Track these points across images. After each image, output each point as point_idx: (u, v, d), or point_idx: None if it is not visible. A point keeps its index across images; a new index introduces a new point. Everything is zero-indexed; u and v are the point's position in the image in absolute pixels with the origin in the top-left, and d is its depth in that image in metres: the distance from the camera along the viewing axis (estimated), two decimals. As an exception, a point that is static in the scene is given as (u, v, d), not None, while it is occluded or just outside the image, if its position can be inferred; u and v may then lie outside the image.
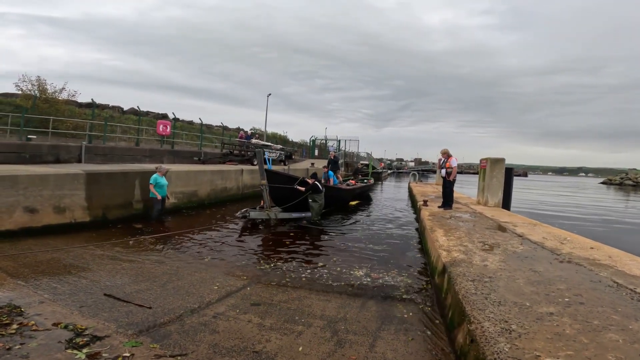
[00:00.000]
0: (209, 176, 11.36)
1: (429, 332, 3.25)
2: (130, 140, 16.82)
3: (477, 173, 11.20)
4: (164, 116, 25.82)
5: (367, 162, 31.33)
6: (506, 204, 9.82)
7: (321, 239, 7.37)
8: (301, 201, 8.79)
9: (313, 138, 36.23)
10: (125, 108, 25.98)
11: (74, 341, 2.69)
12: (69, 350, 2.56)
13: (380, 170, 39.73)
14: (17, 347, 2.57)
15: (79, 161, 11.11)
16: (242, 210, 8.41)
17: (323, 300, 3.97)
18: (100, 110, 21.90)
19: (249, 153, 17.13)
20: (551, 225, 7.10)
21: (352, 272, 5.09)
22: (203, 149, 18.74)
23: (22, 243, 5.65)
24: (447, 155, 8.76)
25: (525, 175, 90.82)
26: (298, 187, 8.83)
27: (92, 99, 15.79)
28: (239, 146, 18.91)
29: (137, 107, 19.68)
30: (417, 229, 8.63)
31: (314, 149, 35.30)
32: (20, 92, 15.60)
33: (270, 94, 30.77)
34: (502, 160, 9.44)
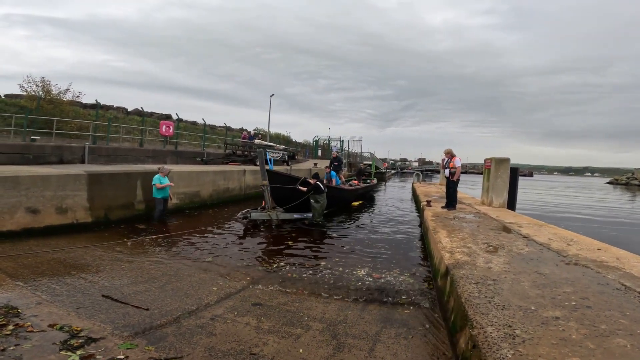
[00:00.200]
0: (211, 177, 11.36)
1: (430, 336, 3.17)
2: (134, 141, 16.89)
3: (481, 173, 11.06)
4: (168, 117, 25.96)
5: (369, 162, 31.19)
6: (511, 204, 9.68)
7: (323, 239, 7.30)
8: (303, 202, 8.73)
9: (316, 138, 36.20)
10: (130, 109, 26.17)
11: (68, 343, 2.66)
12: (63, 352, 2.53)
13: (383, 171, 39.58)
14: (11, 348, 2.54)
15: (83, 162, 11.16)
16: (244, 211, 8.37)
17: (323, 302, 3.91)
18: (104, 111, 22.07)
19: (251, 153, 17.12)
20: (557, 226, 6.97)
21: (354, 272, 5.03)
22: (206, 150, 18.77)
23: (24, 244, 5.65)
24: (450, 155, 8.66)
25: (531, 175, 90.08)
26: (300, 187, 8.77)
27: (96, 100, 15.88)
28: (242, 147, 18.91)
29: (141, 108, 19.77)
30: (421, 230, 8.53)
31: (317, 149, 35.27)
32: (24, 93, 15.73)
33: (273, 94, 30.79)
34: (507, 160, 9.31)
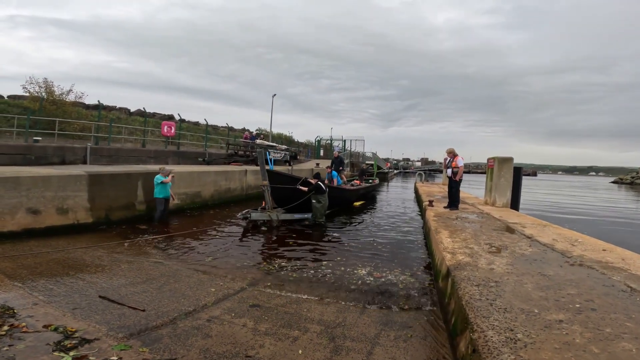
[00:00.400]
0: (212, 177, 11.34)
1: (430, 339, 3.10)
2: (136, 141, 16.94)
3: (484, 173, 10.95)
4: (170, 117, 26.01)
5: (372, 162, 31.07)
6: (515, 204, 9.57)
7: (323, 239, 7.25)
8: (304, 202, 8.68)
9: (318, 138, 36.12)
10: (133, 109, 26.25)
11: (62, 344, 2.63)
12: (56, 353, 2.50)
13: (386, 170, 39.42)
14: (5, 348, 2.52)
15: (85, 162, 11.19)
16: (244, 212, 8.33)
17: (322, 304, 3.86)
18: (107, 112, 22.16)
19: (253, 154, 17.11)
20: (561, 226, 6.86)
21: (355, 272, 4.98)
22: (208, 150, 18.78)
23: (24, 244, 5.65)
24: (453, 154, 8.57)
25: (535, 174, 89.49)
26: (300, 187, 8.72)
27: (98, 101, 15.95)
28: (244, 147, 18.90)
29: (144, 108, 19.81)
30: (423, 230, 8.45)
31: (319, 149, 35.19)
32: (27, 94, 15.82)
33: (275, 95, 30.80)
34: (510, 159, 9.20)
